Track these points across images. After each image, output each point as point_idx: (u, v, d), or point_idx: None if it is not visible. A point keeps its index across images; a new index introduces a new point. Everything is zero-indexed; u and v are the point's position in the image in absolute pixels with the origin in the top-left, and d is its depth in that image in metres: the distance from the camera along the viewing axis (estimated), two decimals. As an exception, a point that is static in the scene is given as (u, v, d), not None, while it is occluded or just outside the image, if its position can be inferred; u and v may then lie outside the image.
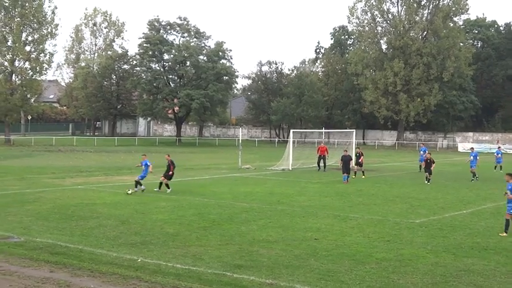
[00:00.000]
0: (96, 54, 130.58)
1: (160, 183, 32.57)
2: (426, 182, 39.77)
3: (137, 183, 31.64)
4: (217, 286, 14.33)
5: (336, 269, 16.10)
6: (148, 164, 32.35)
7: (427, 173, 40.25)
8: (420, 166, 48.23)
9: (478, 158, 44.65)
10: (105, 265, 16.15)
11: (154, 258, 17.06)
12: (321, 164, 48.88)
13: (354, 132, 61.83)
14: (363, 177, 42.92)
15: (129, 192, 30.79)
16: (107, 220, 22.96)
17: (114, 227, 21.54)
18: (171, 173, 32.70)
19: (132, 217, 23.80)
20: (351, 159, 41.52)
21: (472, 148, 49.48)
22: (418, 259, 17.51)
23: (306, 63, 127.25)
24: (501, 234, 21.14)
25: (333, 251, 18.27)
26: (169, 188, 32.25)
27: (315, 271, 15.88)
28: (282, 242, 19.57)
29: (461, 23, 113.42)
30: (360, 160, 44.17)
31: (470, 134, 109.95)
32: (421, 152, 49.42)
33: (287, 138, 59.61)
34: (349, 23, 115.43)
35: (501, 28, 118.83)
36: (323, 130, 68.19)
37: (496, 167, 52.61)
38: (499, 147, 58.40)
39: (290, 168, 49.33)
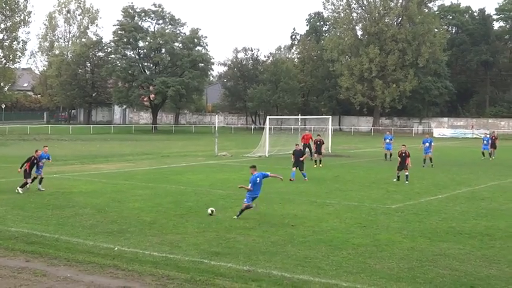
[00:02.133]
0: (70, 42, 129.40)
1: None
2: (396, 180, 33.10)
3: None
4: (195, 273, 14.33)
5: (313, 255, 16.17)
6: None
7: (403, 170, 33.13)
8: (386, 155, 46.93)
9: (432, 144, 43.94)
10: (81, 254, 16.10)
11: (131, 246, 17.02)
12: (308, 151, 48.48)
13: (330, 119, 62.00)
14: (320, 165, 40.99)
15: None
16: (83, 209, 22.86)
17: (91, 216, 21.45)
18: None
19: (108, 206, 23.71)
20: (304, 154, 35.33)
21: (427, 134, 49.08)
22: (394, 244, 17.64)
23: (282, 49, 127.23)
24: None
25: (309, 237, 18.34)
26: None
27: (292, 257, 15.94)
28: (259, 228, 19.61)
29: (435, 8, 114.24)
30: (321, 149, 42.64)
31: (445, 119, 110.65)
32: (387, 140, 47.02)
33: (263, 125, 59.68)
34: (324, 9, 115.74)
35: (475, 14, 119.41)
36: (299, 117, 68.27)
37: (483, 153, 50.54)
38: (485, 134, 57.24)
39: (267, 155, 49.35)
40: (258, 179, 21.56)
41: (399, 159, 33.47)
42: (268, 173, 22.31)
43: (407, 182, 32.40)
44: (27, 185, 27.67)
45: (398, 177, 33.13)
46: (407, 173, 32.91)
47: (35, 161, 28.05)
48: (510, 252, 16.88)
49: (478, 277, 14.42)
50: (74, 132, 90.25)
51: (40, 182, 28.19)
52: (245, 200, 21.48)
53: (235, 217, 21.05)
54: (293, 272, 14.56)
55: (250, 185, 21.54)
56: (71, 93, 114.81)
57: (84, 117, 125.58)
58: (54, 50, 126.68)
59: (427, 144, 42.79)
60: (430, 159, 42.15)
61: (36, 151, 28.80)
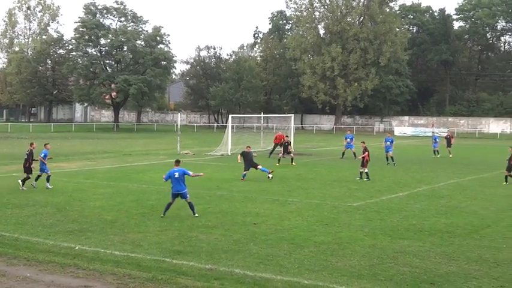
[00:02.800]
0: (30, 39, 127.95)
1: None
2: (359, 178, 33.19)
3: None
4: (157, 272, 14.28)
5: (275, 253, 16.21)
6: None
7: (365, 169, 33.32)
8: (344, 153, 47.20)
9: (394, 143, 44.33)
10: (41, 253, 15.93)
11: (92, 245, 16.89)
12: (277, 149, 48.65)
13: (292, 117, 62.19)
14: (293, 164, 41.30)
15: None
16: (43, 208, 22.61)
17: (51, 215, 21.22)
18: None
19: (69, 204, 23.49)
20: (254, 155, 34.62)
21: (389, 133, 49.44)
22: (356, 242, 17.77)
23: (245, 48, 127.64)
24: None
25: (272, 235, 18.38)
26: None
27: (254, 255, 15.97)
28: (221, 227, 19.59)
29: (397, 8, 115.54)
30: (287, 149, 42.73)
31: (406, 117, 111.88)
32: (348, 139, 47.19)
33: (226, 123, 59.62)
34: (287, 8, 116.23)
35: (435, 13, 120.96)
36: (261, 115, 68.34)
37: (434, 152, 50.76)
38: (433, 133, 58.03)
39: (229, 154, 49.30)
40: (177, 173, 20.98)
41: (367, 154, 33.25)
42: (190, 173, 21.54)
43: (366, 179, 32.71)
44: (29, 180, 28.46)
45: (366, 173, 33.17)
46: (366, 170, 33.06)
47: (31, 155, 28.74)
48: (469, 249, 17.12)
49: (437, 274, 14.60)
50: (34, 130, 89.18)
51: (48, 180, 28.48)
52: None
53: (162, 215, 21.03)
54: (255, 270, 14.58)
55: (164, 178, 21.51)
56: (31, 91, 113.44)
57: (45, 115, 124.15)
58: (13, 47, 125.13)
59: (388, 143, 43.18)
60: (392, 158, 42.53)
61: (32, 144, 29.57)
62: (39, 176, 28.45)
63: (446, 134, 54.58)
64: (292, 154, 42.77)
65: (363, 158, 32.97)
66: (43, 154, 28.63)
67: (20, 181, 28.30)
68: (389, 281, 14.02)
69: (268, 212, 22.49)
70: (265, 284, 13.64)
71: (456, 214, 22.56)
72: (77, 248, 16.62)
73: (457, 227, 20.16)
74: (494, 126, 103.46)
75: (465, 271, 14.90)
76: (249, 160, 33.26)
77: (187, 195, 21.25)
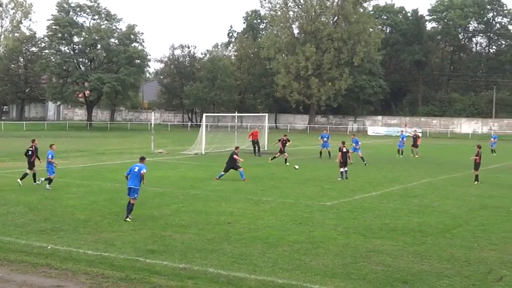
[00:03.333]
0: (2, 36, 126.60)
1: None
2: (340, 178, 33.39)
3: None
4: (130, 272, 14.23)
5: (249, 252, 16.24)
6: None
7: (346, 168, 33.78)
8: (321, 153, 47.50)
9: (359, 143, 44.57)
10: (13, 253, 15.80)
11: (65, 245, 16.79)
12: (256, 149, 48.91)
13: (267, 116, 62.33)
14: (287, 164, 40.99)
15: None
16: (15, 207, 22.41)
17: (23, 214, 21.05)
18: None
19: (41, 203, 23.31)
20: (236, 154, 32.98)
21: (353, 135, 49.71)
22: (329, 241, 17.86)
23: (219, 47, 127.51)
24: None
25: (245, 235, 18.41)
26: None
27: (228, 255, 15.98)
28: (195, 226, 19.58)
29: (370, 8, 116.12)
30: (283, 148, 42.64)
31: (380, 117, 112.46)
32: (324, 139, 47.39)
33: (200, 122, 59.57)
34: (261, 7, 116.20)
35: (408, 14, 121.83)
36: (236, 114, 68.35)
37: (399, 151, 51.15)
38: (401, 131, 58.06)
39: (203, 153, 49.27)
40: (136, 168, 20.54)
41: (340, 154, 33.57)
42: (144, 170, 20.57)
43: (346, 178, 33.17)
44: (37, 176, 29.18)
45: (345, 171, 33.46)
46: (346, 169, 33.48)
47: (32, 151, 29.33)
48: (441, 248, 17.29)
49: (410, 272, 14.73)
50: (6, 128, 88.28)
51: (50, 182, 28.00)
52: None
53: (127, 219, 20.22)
54: (229, 270, 14.60)
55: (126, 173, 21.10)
56: (3, 89, 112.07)
57: (17, 114, 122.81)
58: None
59: (354, 144, 43.57)
60: (362, 158, 42.74)
61: (34, 141, 30.48)
62: (51, 180, 27.97)
63: (413, 134, 54.95)
64: (286, 154, 42.51)
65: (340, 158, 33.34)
66: (50, 155, 28.19)
67: (19, 180, 28.72)
68: (362, 279, 14.11)
69: (242, 211, 22.52)
70: (239, 283, 13.66)
71: (428, 213, 22.77)
72: (49, 247, 16.50)
73: (430, 226, 20.35)
74: (466, 126, 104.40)
75: (437, 270, 15.04)
76: (231, 161, 32.54)
77: (135, 195, 20.44)
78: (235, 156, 32.30)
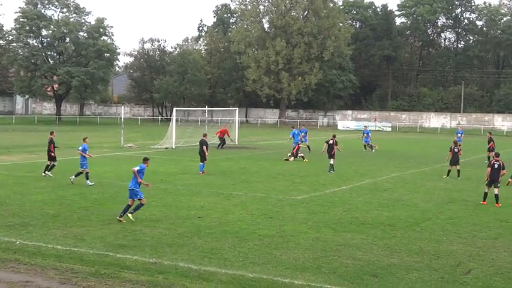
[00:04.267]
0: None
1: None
2: (332, 171, 34.29)
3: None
4: (100, 267, 14.14)
5: (220, 247, 16.23)
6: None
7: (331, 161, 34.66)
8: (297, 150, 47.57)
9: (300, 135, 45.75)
10: (-19, 249, 15.60)
11: (34, 240, 16.63)
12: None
13: (237, 111, 62.29)
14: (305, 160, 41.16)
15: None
16: (-18, 202, 22.15)
17: (-9, 209, 20.80)
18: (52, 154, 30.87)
19: (9, 198, 23.06)
20: (206, 145, 32.99)
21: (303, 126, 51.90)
22: (300, 235, 17.90)
23: (189, 41, 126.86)
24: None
25: (216, 229, 18.39)
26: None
27: (199, 249, 15.95)
28: (166, 220, 19.52)
29: (340, 3, 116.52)
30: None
31: (349, 112, 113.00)
32: (303, 134, 47.17)
33: (170, 116, 59.37)
34: (231, 1, 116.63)
35: (378, 9, 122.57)
36: (206, 108, 68.19)
37: (365, 146, 51.21)
38: (365, 127, 58.08)
39: (173, 147, 49.13)
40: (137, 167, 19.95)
41: (326, 146, 35.19)
42: (138, 169, 19.82)
43: (333, 171, 33.99)
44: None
45: (331, 165, 34.35)
46: (332, 162, 34.30)
47: (53, 143, 30.48)
48: (410, 241, 17.43)
49: (380, 266, 14.83)
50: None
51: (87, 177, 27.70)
52: (140, 195, 19.88)
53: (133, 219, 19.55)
54: (200, 264, 14.57)
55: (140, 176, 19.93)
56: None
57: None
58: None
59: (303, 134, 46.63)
60: (308, 147, 45.95)
61: (52, 133, 31.48)
62: (80, 173, 27.70)
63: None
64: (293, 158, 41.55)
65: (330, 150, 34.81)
66: (82, 148, 27.96)
67: (46, 172, 29.95)
68: (332, 273, 14.17)
69: (212, 205, 22.49)
70: (209, 277, 13.64)
71: (398, 207, 22.96)
72: (17, 242, 16.33)
73: (399, 219, 20.51)
74: (435, 120, 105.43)
75: (407, 263, 15.16)
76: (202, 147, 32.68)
77: (135, 197, 19.75)
78: (204, 147, 32.21)
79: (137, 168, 19.81)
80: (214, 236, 17.53)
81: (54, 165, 30.45)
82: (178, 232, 17.90)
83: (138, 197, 19.67)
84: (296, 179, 31.06)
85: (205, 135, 34.20)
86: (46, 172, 30.04)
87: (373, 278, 13.94)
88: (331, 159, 34.61)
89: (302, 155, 41.62)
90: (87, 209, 21.10)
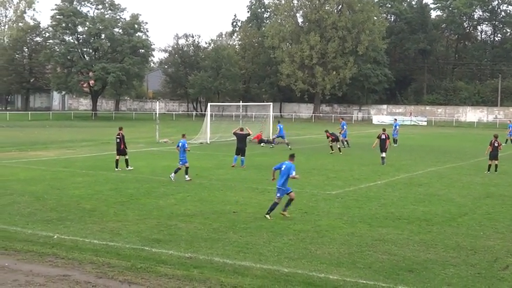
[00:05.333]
0: (6, 26, 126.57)
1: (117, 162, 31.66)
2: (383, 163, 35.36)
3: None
4: (136, 261, 14.25)
5: (255, 241, 16.24)
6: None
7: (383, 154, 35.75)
8: (347, 141, 47.57)
9: (345, 127, 47.14)
10: (19, 243, 15.82)
11: (71, 234, 16.81)
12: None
13: (271, 106, 62.15)
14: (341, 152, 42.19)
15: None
16: (21, 197, 22.44)
17: (29, 204, 21.08)
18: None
19: (47, 193, 23.33)
20: (247, 136, 34.90)
21: (342, 119, 51.91)
22: (335, 230, 17.84)
23: (223, 36, 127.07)
24: None
25: (251, 224, 18.41)
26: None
27: (234, 244, 15.98)
28: (201, 215, 19.59)
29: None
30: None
31: (384, 106, 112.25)
32: (345, 127, 47.36)
33: (205, 111, 59.50)
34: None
35: (413, 2, 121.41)
36: (240, 103, 68.24)
37: (395, 140, 50.31)
38: (395, 119, 57.50)
39: (208, 142, 49.26)
40: (284, 166, 19.81)
41: (377, 141, 36.21)
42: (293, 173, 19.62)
43: (384, 164, 35.01)
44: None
45: (382, 158, 35.49)
46: (383, 155, 35.46)
47: (120, 138, 31.46)
48: (447, 236, 17.27)
49: (415, 261, 14.72)
50: (11, 118, 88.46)
51: (186, 172, 27.81)
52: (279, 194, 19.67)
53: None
54: (235, 259, 14.60)
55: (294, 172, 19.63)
56: (8, 79, 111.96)
57: (22, 104, 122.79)
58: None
59: (340, 128, 46.65)
60: (347, 142, 46.59)
61: (120, 129, 32.19)
62: (178, 169, 27.84)
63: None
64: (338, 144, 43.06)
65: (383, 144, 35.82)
66: (180, 143, 28.17)
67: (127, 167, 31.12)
68: (368, 268, 14.10)
69: (247, 200, 22.52)
70: (244, 272, 13.66)
71: (434, 202, 22.75)
72: (55, 237, 16.53)
73: (435, 214, 20.32)
74: (471, 114, 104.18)
75: (443, 258, 15.03)
76: (240, 141, 33.72)
77: (284, 193, 19.59)
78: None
79: (293, 173, 19.50)
80: (249, 230, 17.55)
81: (127, 159, 31.47)
82: (213, 227, 17.96)
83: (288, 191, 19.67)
84: (331, 173, 30.96)
85: (241, 129, 34.60)
86: (127, 167, 31.13)
87: (409, 273, 13.84)
88: (383, 153, 35.57)
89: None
90: (123, 204, 21.27)
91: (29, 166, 32.15)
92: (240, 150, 33.26)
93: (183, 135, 28.95)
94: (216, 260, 14.51)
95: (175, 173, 27.64)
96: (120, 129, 32.39)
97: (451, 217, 20.05)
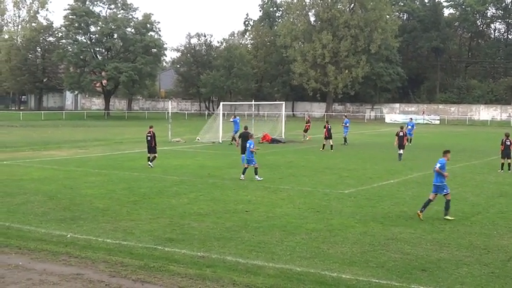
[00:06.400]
0: (19, 26, 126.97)
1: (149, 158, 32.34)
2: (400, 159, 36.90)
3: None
4: (149, 260, 14.29)
5: (267, 241, 16.25)
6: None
7: (401, 151, 37.32)
8: (345, 138, 48.65)
9: (347, 124, 49.05)
10: (33, 242, 15.90)
11: (84, 233, 16.88)
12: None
13: (284, 105, 62.15)
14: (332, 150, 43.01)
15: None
16: (34, 196, 22.54)
17: (42, 203, 21.18)
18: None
19: (60, 192, 23.43)
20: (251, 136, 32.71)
21: (345, 116, 54.16)
22: (347, 229, 17.82)
23: (235, 35, 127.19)
24: None
25: (263, 223, 18.41)
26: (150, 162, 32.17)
27: (246, 243, 16.00)
28: (213, 214, 19.61)
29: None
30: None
31: (397, 105, 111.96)
32: (347, 125, 49.37)
33: (217, 110, 59.50)
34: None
35: (426, 0, 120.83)
36: (253, 102, 68.26)
37: (409, 140, 49.27)
38: (410, 119, 57.74)
39: (220, 141, 49.31)
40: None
41: (397, 138, 37.78)
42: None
43: (400, 160, 36.56)
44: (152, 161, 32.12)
45: (399, 155, 37.10)
46: (401, 152, 37.15)
47: (151, 136, 32.44)
48: (460, 235, 17.21)
49: (429, 260, 14.68)
50: (25, 118, 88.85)
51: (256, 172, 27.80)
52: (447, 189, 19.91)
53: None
54: (247, 258, 14.62)
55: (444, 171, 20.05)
56: (21, 79, 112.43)
57: (35, 103, 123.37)
58: (3, 35, 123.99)
59: (348, 124, 48.71)
60: (345, 139, 47.97)
61: (151, 127, 33.51)
62: (245, 169, 27.88)
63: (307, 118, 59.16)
64: (331, 141, 43.94)
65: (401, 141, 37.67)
66: (248, 144, 28.00)
67: (149, 163, 31.89)
68: (380, 267, 14.08)
69: (259, 199, 22.52)
70: (257, 271, 13.67)
71: (447, 201, 22.65)
72: (68, 236, 16.60)
73: (448, 213, 20.24)
74: (485, 113, 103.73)
75: (456, 258, 14.98)
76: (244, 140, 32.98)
77: (442, 191, 19.92)
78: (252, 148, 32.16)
79: (438, 165, 19.99)
80: (261, 230, 17.56)
81: (155, 157, 32.19)
82: (226, 226, 17.98)
83: (445, 191, 19.79)
84: (343, 172, 30.92)
85: (246, 128, 34.29)
86: (149, 163, 31.89)
87: (422, 272, 13.81)
88: (401, 150, 37.14)
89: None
90: (135, 203, 21.34)
91: (42, 166, 32.30)
92: (245, 149, 32.89)
93: (251, 136, 29.14)
94: (229, 259, 14.52)
95: (243, 173, 27.68)
96: (151, 127, 33.31)
97: (464, 216, 19.98)
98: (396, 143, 37.78)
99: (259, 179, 27.23)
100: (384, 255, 15.06)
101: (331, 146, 43.30)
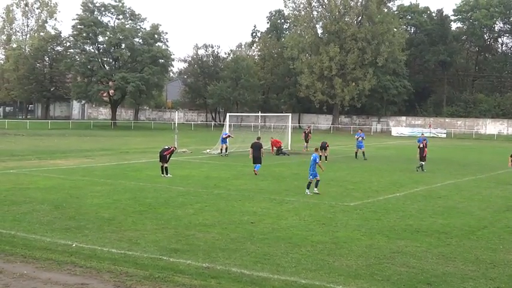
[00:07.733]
0: (28, 36, 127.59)
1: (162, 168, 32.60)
2: (422, 170, 38.30)
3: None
4: (154, 270, 14.27)
5: (272, 252, 16.21)
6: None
7: (422, 162, 38.80)
8: (356, 153, 47.88)
9: (364, 138, 47.75)
10: (38, 250, 15.89)
11: (89, 243, 16.87)
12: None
13: (290, 116, 62.20)
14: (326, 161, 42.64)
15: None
16: (40, 205, 22.55)
17: (48, 212, 21.19)
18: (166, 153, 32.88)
19: (66, 202, 23.44)
20: (261, 147, 36.04)
21: (360, 130, 52.49)
22: (353, 241, 17.77)
23: (242, 46, 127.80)
24: None
25: (269, 235, 18.38)
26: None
27: (252, 254, 15.96)
28: (219, 225, 19.58)
29: (395, 8, 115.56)
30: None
31: (403, 118, 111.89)
32: (360, 138, 47.58)
33: (223, 121, 59.52)
34: (285, 7, 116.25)
35: (433, 14, 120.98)
36: (259, 114, 68.28)
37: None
38: (422, 134, 57.41)
39: (226, 152, 49.29)
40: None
41: (419, 150, 38.94)
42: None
43: (424, 170, 37.87)
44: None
45: (421, 166, 38.37)
46: (423, 163, 38.40)
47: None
48: (466, 249, 17.14)
49: (434, 274, 14.62)
50: (32, 127, 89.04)
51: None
52: None
53: None
54: (252, 269, 14.58)
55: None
56: (29, 88, 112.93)
57: (42, 112, 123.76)
58: (11, 44, 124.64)
59: (360, 138, 46.93)
60: (363, 153, 46.36)
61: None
62: (310, 183, 27.65)
63: (305, 129, 58.89)
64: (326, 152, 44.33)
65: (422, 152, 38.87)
66: (313, 157, 27.81)
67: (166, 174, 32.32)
68: (386, 281, 14.03)
69: (265, 211, 22.49)
70: (262, 283, 13.64)
71: (453, 215, 22.59)
72: (74, 245, 16.59)
73: (454, 227, 20.18)
74: (491, 127, 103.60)
75: (462, 272, 14.91)
76: (256, 150, 35.20)
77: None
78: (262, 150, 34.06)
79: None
80: (267, 241, 17.52)
81: (166, 167, 32.51)
82: (231, 237, 17.95)
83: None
84: (349, 185, 30.87)
85: (258, 138, 35.02)
86: (166, 175, 32.26)
87: (427, 286, 13.75)
88: (422, 162, 38.43)
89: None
90: (141, 213, 21.33)
91: (48, 175, 32.34)
92: (256, 159, 33.94)
93: (316, 149, 28.96)
94: (234, 270, 14.49)
95: (308, 188, 27.47)
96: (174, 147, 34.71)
97: (470, 230, 19.90)
98: (418, 156, 38.99)
99: (316, 191, 27.06)
100: (389, 269, 15.00)
101: (326, 157, 43.37)
